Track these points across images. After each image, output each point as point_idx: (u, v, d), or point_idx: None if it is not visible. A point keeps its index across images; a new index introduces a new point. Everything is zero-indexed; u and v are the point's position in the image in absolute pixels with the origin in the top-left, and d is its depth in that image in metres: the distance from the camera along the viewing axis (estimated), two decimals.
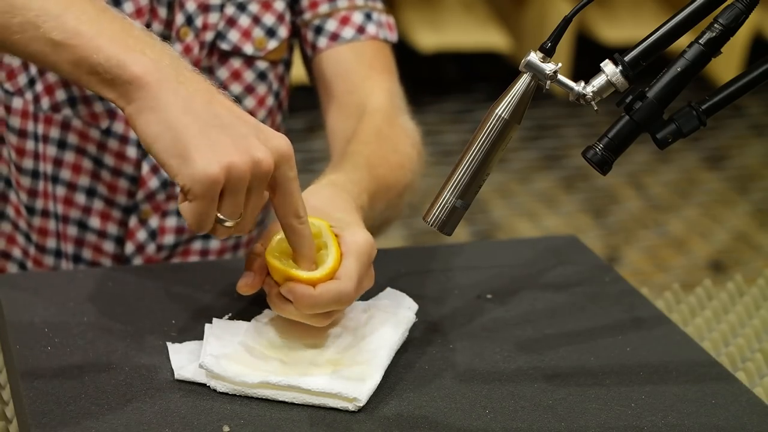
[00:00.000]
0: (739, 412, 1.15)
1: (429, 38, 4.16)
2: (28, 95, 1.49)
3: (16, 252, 1.56)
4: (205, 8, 1.49)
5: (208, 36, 1.50)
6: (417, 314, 1.25)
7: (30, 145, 1.50)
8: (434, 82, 4.41)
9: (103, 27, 1.11)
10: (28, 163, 1.51)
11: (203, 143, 1.07)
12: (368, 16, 1.54)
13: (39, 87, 1.48)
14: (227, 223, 1.10)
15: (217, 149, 1.07)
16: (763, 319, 1.47)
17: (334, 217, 1.21)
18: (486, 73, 4.40)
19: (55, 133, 1.49)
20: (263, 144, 1.09)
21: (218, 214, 1.09)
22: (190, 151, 1.06)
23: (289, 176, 1.12)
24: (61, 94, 1.48)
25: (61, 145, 1.50)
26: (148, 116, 1.08)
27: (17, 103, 1.49)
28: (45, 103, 1.48)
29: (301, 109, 2.45)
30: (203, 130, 1.08)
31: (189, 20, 1.47)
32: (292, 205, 1.13)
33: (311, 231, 1.16)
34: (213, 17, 1.50)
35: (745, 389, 1.19)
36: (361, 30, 1.54)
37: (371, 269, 1.21)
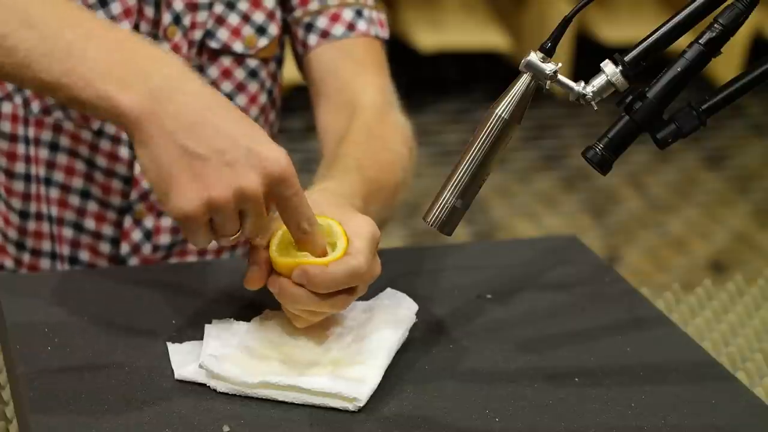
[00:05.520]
0: (739, 412, 1.15)
1: (429, 38, 4.15)
2: (18, 99, 1.48)
3: (8, 263, 1.56)
4: (193, 7, 1.48)
5: (197, 35, 1.49)
6: (417, 314, 1.25)
7: (21, 148, 1.50)
8: (434, 82, 4.41)
9: (90, 58, 1.11)
10: (20, 167, 1.51)
11: (183, 179, 1.09)
12: (359, 13, 1.54)
13: (28, 91, 1.48)
14: (225, 240, 1.13)
15: (196, 185, 1.09)
16: (763, 319, 1.47)
17: (329, 214, 1.20)
18: (486, 73, 4.40)
19: (46, 135, 1.49)
20: (253, 169, 1.10)
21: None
22: (170, 187, 1.10)
23: (286, 195, 1.12)
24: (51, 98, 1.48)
25: (53, 147, 1.50)
26: (139, 149, 1.11)
27: (6, 107, 1.49)
28: (35, 106, 1.48)
29: (301, 108, 2.45)
30: (186, 164, 1.09)
31: (177, 19, 1.47)
32: (294, 219, 1.14)
33: (321, 233, 1.16)
34: (201, 16, 1.49)
35: (745, 389, 1.19)
36: (351, 27, 1.53)
37: (377, 258, 1.19)
